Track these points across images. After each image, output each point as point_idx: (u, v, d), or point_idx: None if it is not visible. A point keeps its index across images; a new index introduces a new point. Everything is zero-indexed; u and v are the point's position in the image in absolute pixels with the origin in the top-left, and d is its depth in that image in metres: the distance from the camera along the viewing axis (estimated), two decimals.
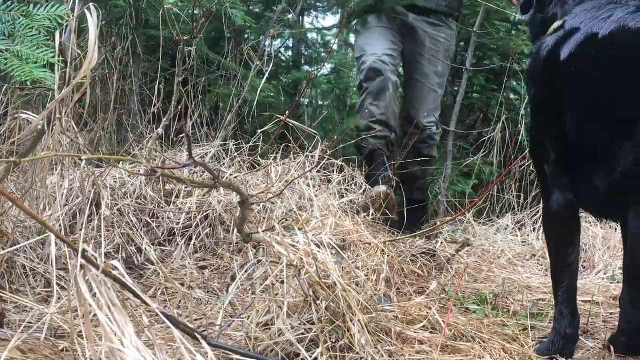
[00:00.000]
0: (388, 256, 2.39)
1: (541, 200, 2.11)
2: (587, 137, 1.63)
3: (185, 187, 2.53)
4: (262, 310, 1.69)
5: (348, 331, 1.63)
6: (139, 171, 2.50)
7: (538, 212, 3.48)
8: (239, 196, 1.77)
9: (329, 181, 3.03)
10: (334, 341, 1.58)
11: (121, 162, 2.66)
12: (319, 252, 1.71)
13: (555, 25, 1.80)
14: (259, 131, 3.08)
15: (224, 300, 1.85)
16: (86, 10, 1.44)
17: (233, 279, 2.13)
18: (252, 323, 1.63)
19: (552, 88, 1.72)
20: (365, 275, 2.15)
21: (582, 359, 1.80)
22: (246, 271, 1.92)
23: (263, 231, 1.88)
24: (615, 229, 3.35)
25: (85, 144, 2.82)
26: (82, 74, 1.34)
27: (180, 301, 2.09)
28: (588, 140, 1.64)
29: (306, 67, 4.72)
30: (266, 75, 3.19)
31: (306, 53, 4.81)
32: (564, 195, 1.73)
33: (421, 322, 1.86)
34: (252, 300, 1.70)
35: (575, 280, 1.81)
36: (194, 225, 2.55)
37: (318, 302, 1.59)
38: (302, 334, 1.57)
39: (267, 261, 1.75)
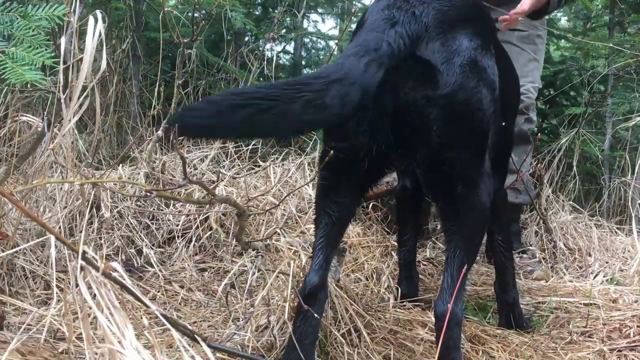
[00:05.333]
0: (387, 259, 2.39)
1: None
2: None
3: (185, 189, 2.53)
4: (260, 315, 1.70)
5: (348, 334, 1.63)
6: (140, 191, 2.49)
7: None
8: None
9: None
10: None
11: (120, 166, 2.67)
12: None
13: None
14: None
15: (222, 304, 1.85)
16: (92, 17, 1.44)
17: (232, 286, 2.13)
18: (250, 326, 1.63)
19: None
20: (366, 278, 2.15)
21: (582, 359, 1.81)
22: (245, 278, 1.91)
23: (261, 239, 1.88)
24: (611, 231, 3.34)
25: (85, 146, 2.82)
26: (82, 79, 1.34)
27: (179, 303, 2.09)
28: None
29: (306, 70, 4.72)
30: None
31: (306, 56, 4.81)
32: None
33: (421, 327, 1.86)
34: (250, 315, 1.68)
35: None
36: (193, 227, 2.55)
37: None
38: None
39: (265, 269, 1.75)
